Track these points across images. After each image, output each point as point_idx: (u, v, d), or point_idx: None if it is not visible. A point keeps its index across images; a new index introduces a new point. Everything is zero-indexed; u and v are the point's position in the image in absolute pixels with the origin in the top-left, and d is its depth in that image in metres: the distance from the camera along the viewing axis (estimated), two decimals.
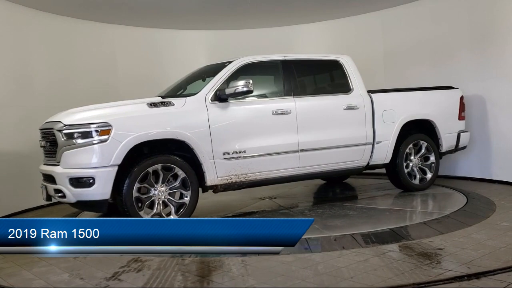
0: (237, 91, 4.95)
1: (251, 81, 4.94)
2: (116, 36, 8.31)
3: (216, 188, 5.11)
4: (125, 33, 8.39)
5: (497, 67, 6.72)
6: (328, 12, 8.43)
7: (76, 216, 5.99)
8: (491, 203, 5.49)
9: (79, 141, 4.50)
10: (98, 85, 7.85)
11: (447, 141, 6.48)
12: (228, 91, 5.00)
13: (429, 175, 6.37)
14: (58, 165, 4.64)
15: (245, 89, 4.92)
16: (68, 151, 4.54)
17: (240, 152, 5.06)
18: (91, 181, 4.46)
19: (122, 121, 4.59)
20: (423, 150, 6.35)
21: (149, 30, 8.60)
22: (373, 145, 5.88)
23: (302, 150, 5.38)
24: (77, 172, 4.50)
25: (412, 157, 6.29)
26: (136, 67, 8.42)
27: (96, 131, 4.48)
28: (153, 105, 4.86)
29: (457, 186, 6.61)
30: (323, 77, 6.34)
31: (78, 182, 4.50)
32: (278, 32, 9.04)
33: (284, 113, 5.33)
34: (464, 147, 6.74)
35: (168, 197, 4.81)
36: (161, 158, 4.77)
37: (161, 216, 4.74)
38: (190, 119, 4.90)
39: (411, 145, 6.24)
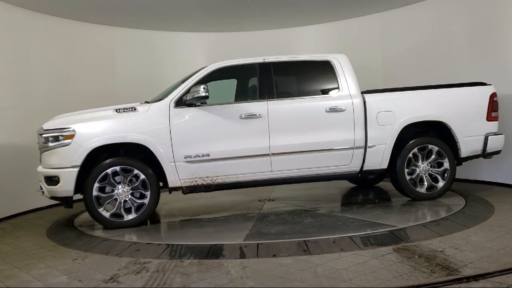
0: (195, 96, 5.07)
1: (206, 86, 5.06)
2: (115, 38, 8.33)
3: (182, 190, 5.27)
4: (124, 35, 8.41)
5: (497, 68, 6.69)
6: (327, 14, 8.45)
7: (74, 217, 6.01)
8: (489, 205, 5.49)
9: (51, 144, 5.00)
10: (97, 87, 7.87)
11: (467, 145, 5.74)
12: (189, 96, 5.15)
13: (440, 183, 5.74)
14: (41, 164, 5.25)
15: (203, 94, 5.02)
16: (44, 153, 5.09)
17: (203, 156, 5.17)
18: (57, 179, 4.97)
19: (84, 126, 5.02)
20: (433, 155, 5.73)
21: (148, 32, 8.62)
22: (365, 149, 5.54)
23: (274, 154, 5.31)
24: (48, 171, 5.06)
25: (419, 163, 5.73)
26: (135, 69, 8.44)
27: (62, 135, 4.97)
28: (118, 111, 5.17)
29: (456, 188, 6.53)
30: (307, 78, 5.93)
31: (50, 180, 5.04)
32: (277, 34, 9.06)
33: (253, 116, 5.29)
34: (497, 152, 5.94)
35: (130, 196, 5.13)
36: (119, 160, 5.10)
37: (120, 214, 5.09)
38: (150, 124, 5.12)
39: (415, 150, 5.68)
